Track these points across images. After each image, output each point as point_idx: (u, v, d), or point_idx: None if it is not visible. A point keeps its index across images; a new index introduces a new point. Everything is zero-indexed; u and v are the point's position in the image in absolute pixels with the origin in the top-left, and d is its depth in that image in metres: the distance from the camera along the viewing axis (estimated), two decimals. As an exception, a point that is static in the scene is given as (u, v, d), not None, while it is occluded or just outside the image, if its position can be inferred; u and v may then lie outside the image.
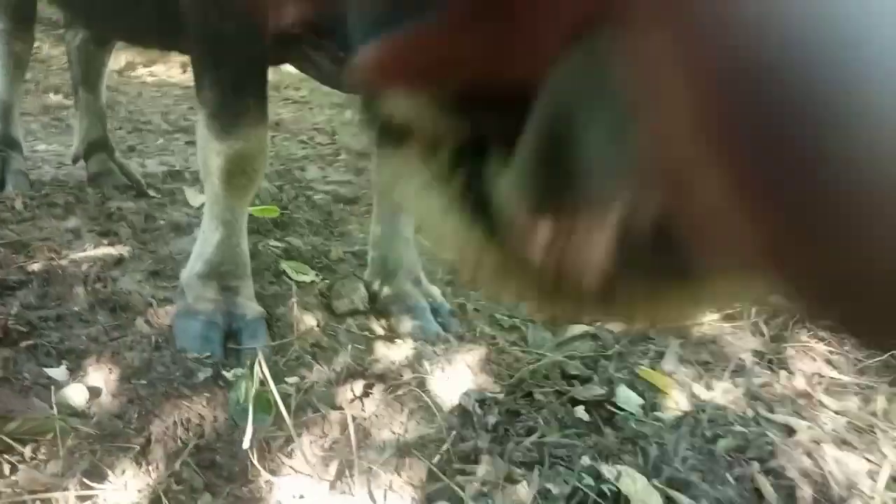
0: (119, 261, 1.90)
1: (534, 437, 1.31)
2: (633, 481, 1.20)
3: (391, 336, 1.67)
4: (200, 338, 1.45)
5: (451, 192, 0.36)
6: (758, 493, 1.24)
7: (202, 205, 1.73)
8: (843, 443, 1.42)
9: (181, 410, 1.27)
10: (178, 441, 1.22)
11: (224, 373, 1.40)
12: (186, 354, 1.42)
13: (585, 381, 1.51)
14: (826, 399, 1.57)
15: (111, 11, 1.84)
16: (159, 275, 1.84)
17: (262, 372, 1.24)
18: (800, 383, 1.62)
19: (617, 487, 1.18)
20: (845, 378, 1.69)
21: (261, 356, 1.29)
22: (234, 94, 1.44)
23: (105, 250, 1.96)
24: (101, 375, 1.37)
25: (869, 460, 1.38)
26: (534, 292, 0.35)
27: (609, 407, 1.43)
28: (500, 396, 1.43)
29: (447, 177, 0.36)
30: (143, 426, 1.24)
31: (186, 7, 1.36)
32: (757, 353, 1.74)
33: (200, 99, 1.47)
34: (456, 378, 1.47)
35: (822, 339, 1.87)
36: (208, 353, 1.43)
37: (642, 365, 1.60)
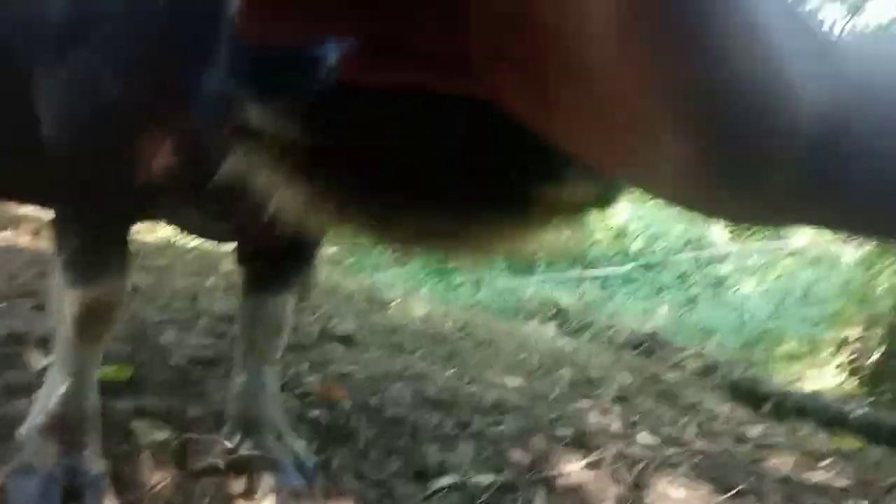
0: (-58, 424, 1.72)
1: (403, 589, 1.25)
2: None
3: (251, 493, 1.57)
4: (37, 496, 1.31)
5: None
6: None
7: (45, 367, 1.63)
8: (705, 580, 1.45)
9: (6, 578, 1.12)
10: None
11: (61, 535, 1.26)
12: (17, 517, 1.28)
13: (455, 530, 1.48)
14: (686, 539, 1.61)
15: None
16: (-10, 436, 1.67)
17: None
18: (661, 526, 1.66)
19: None
20: (702, 520, 1.75)
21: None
22: (97, 242, 1.41)
23: (-73, 413, 1.76)
24: None
25: None
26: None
27: (479, 555, 1.41)
28: (368, 549, 1.37)
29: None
30: None
31: (56, 149, 1.34)
32: (620, 499, 1.78)
33: (58, 244, 1.42)
34: (321, 533, 1.40)
35: (680, 486, 1.95)
36: (44, 514, 1.29)
37: (511, 513, 1.59)
